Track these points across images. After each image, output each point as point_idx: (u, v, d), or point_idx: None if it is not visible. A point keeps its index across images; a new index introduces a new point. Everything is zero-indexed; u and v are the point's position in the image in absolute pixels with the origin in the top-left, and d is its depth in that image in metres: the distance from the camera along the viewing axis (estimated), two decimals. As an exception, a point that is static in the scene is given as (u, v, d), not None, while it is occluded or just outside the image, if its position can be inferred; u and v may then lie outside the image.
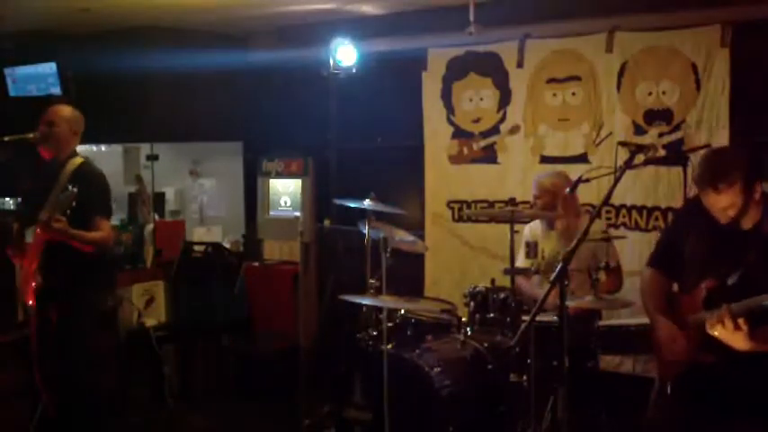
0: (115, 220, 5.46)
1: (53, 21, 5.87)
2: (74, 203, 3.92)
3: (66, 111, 4.32)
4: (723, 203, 2.81)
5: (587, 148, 5.13)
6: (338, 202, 4.48)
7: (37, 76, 6.44)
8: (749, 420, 2.80)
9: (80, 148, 4.40)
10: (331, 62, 5.24)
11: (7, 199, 6.27)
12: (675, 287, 3.17)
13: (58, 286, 4.15)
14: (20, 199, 5.89)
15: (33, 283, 4.13)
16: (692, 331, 2.87)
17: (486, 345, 4.03)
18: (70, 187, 3.97)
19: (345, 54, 5.23)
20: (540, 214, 4.63)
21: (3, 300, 4.94)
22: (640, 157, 3.23)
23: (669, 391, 3.01)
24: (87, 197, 4.11)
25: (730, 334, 2.62)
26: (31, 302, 4.19)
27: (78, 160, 4.26)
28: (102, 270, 4.36)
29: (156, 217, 6.30)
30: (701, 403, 2.89)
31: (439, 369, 3.86)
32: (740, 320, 2.60)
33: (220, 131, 6.52)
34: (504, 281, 4.27)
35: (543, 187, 4.53)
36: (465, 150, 5.64)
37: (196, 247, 6.03)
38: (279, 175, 6.36)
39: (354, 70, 5.29)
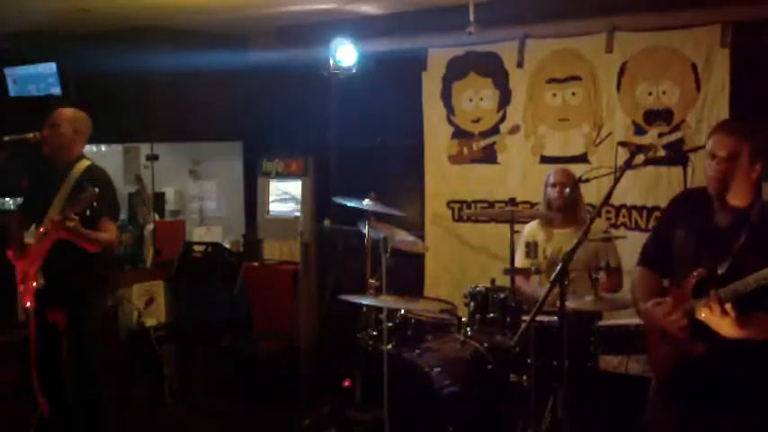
0: (115, 221, 5.46)
1: (53, 21, 5.86)
2: (94, 203, 3.92)
3: (68, 111, 4.33)
4: (725, 150, 2.77)
5: (587, 148, 5.13)
6: (337, 200, 4.46)
7: (37, 76, 6.44)
8: (739, 414, 2.78)
9: (80, 149, 4.40)
10: (331, 62, 5.24)
11: (7, 199, 6.27)
12: (666, 283, 3.15)
13: (65, 287, 4.14)
14: (19, 199, 5.89)
15: (34, 284, 4.12)
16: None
17: (486, 345, 4.04)
18: (90, 187, 3.96)
19: (345, 54, 5.23)
20: (540, 214, 4.64)
21: (3, 300, 4.94)
22: (640, 157, 3.22)
23: (660, 389, 3.00)
24: (96, 199, 4.12)
25: (718, 319, 2.61)
26: (29, 304, 4.19)
27: (86, 163, 4.28)
28: (109, 270, 4.37)
29: (156, 217, 6.30)
30: (692, 400, 2.88)
31: (439, 369, 3.86)
32: (728, 306, 2.58)
33: (220, 131, 6.52)
34: (504, 281, 4.27)
35: (565, 172, 4.60)
36: (465, 150, 5.64)
37: (196, 247, 6.03)
38: (279, 175, 6.36)
39: (354, 70, 5.28)
